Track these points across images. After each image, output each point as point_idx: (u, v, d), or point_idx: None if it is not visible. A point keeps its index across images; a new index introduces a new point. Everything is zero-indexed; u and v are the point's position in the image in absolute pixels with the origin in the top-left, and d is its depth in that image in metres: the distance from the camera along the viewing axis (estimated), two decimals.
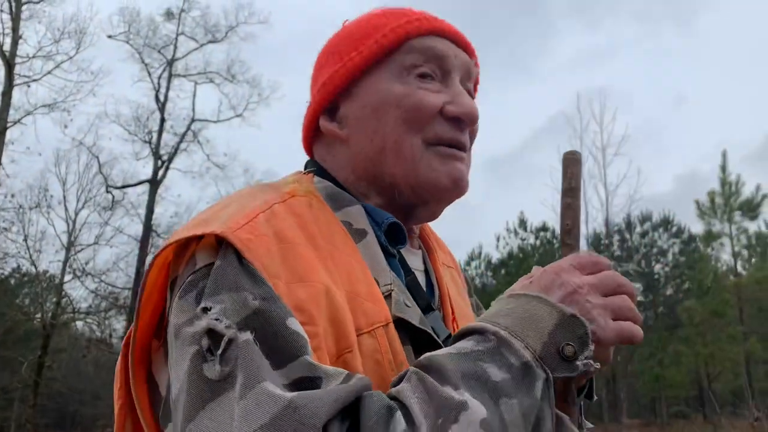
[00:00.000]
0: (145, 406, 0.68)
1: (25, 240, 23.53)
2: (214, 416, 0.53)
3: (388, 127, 0.79)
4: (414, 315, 0.73)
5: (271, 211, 0.68)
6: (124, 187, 24.46)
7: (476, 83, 0.90)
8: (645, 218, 31.60)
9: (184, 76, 23.98)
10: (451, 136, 0.80)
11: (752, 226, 19.98)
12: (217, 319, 0.57)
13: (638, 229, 31.35)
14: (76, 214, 25.98)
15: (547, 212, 24.65)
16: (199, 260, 0.63)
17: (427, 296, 0.79)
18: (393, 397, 0.57)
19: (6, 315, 21.93)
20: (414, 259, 0.85)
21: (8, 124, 18.87)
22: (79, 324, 27.52)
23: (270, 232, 0.65)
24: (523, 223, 34.71)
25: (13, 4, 18.96)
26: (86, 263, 24.75)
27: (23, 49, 19.48)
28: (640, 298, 29.66)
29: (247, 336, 0.56)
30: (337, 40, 0.86)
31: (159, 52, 23.29)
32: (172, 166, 23.97)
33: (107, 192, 24.53)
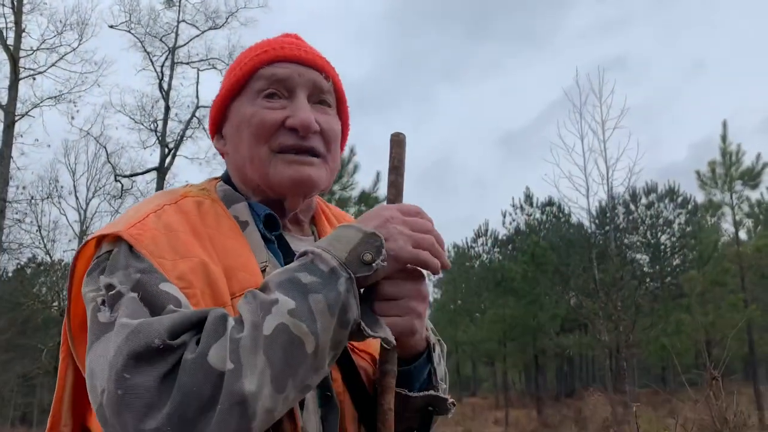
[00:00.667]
0: (83, 354, 0.87)
1: (39, 230, 23.99)
2: (103, 344, 0.77)
3: (245, 142, 1.01)
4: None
5: (162, 210, 0.92)
6: (132, 175, 24.80)
7: (338, 89, 1.08)
8: (650, 190, 31.58)
9: (187, 63, 24.14)
10: (293, 143, 0.99)
11: (754, 195, 20.06)
12: (110, 284, 0.81)
13: (643, 200, 31.38)
14: (87, 204, 26.40)
15: (553, 187, 24.81)
16: (103, 248, 0.88)
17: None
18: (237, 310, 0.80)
19: (24, 304, 22.44)
20: (300, 244, 1.03)
21: (16, 117, 19.16)
22: None
23: (160, 225, 0.89)
24: (529, 199, 34.73)
25: None
26: None
27: (27, 42, 19.69)
28: (646, 269, 29.81)
29: (132, 294, 0.79)
30: (226, 71, 1.11)
31: (161, 40, 23.42)
32: (178, 153, 24.23)
33: (116, 181, 24.90)
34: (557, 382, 40.14)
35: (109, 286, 0.82)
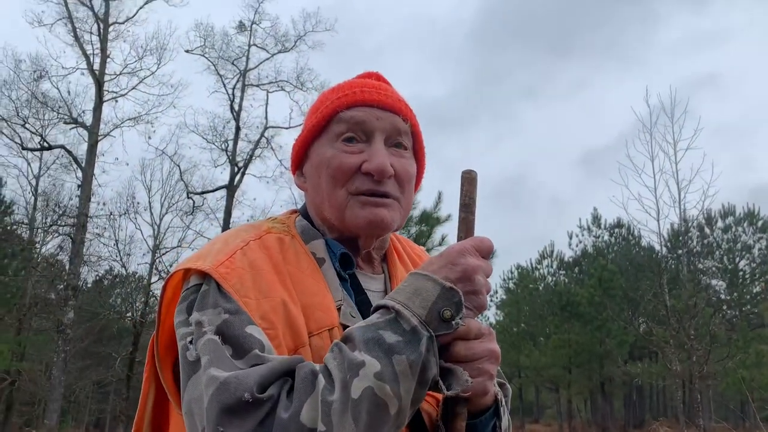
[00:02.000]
0: (168, 377, 0.98)
1: (116, 244, 25.20)
2: (194, 386, 0.84)
3: (324, 183, 1.05)
4: (357, 323, 0.93)
5: (248, 247, 0.97)
6: (203, 192, 25.76)
7: (415, 130, 1.11)
8: (727, 213, 30.06)
9: (257, 85, 24.98)
10: (368, 187, 1.02)
11: None
12: (200, 322, 0.87)
13: (720, 223, 29.89)
14: (161, 219, 27.58)
15: (621, 209, 23.99)
16: (191, 281, 0.94)
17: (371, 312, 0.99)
18: (324, 365, 0.83)
19: (100, 314, 23.57)
20: (371, 282, 1.09)
21: (99, 138, 20.34)
22: None
23: (245, 263, 0.94)
24: (596, 220, 33.76)
25: (101, 26, 20.44)
26: (170, 265, 26.20)
27: (111, 67, 20.95)
28: (723, 295, 28.26)
29: (215, 337, 0.85)
30: (308, 110, 1.16)
31: (233, 63, 24.38)
32: (247, 171, 24.99)
33: (188, 198, 25.91)
34: (625, 411, 38.39)
35: (199, 324, 0.88)
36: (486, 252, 0.93)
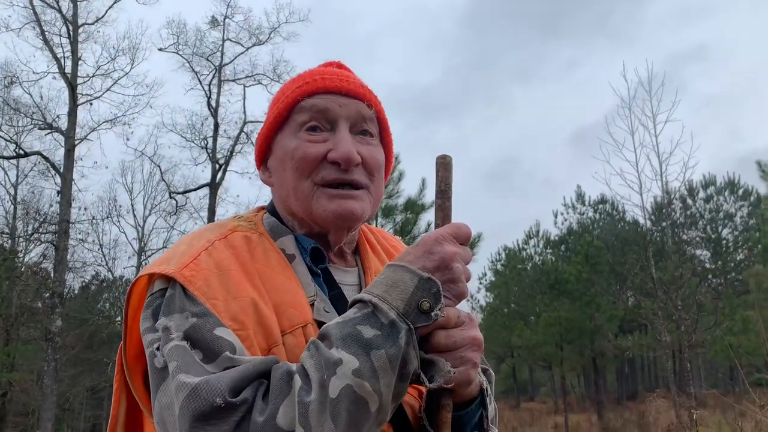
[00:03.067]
0: (138, 385, 0.96)
1: (101, 249, 25.00)
2: (164, 393, 0.82)
3: (289, 176, 1.01)
4: (332, 319, 0.90)
5: (213, 247, 0.94)
6: (185, 192, 25.56)
7: (381, 117, 1.08)
8: (708, 183, 30.41)
9: (233, 80, 24.73)
10: (335, 176, 0.99)
11: None
12: (167, 328, 0.85)
13: (701, 194, 30.24)
14: (144, 221, 27.40)
15: (604, 185, 24.13)
16: (156, 286, 0.92)
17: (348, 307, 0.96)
18: (300, 364, 0.81)
19: (89, 320, 23.38)
20: (345, 276, 1.06)
21: (76, 142, 20.04)
22: None
23: (211, 264, 0.91)
24: (580, 197, 33.99)
25: (71, 28, 20.08)
26: None
27: (83, 69, 20.62)
28: (708, 265, 28.65)
29: (182, 343, 0.82)
30: (270, 102, 1.11)
31: (207, 59, 24.09)
32: (229, 168, 24.81)
33: (171, 198, 25.73)
34: (618, 384, 38.96)
35: (166, 330, 0.85)
36: (464, 238, 0.90)
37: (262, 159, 1.12)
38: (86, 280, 29.47)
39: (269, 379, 0.80)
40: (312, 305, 0.96)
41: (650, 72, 18.75)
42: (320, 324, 0.94)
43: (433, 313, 0.83)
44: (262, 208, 1.13)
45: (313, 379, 0.78)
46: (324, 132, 1.02)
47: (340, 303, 1.00)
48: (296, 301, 0.94)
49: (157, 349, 0.85)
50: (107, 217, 24.38)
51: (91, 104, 21.12)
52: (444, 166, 0.96)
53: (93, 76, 20.97)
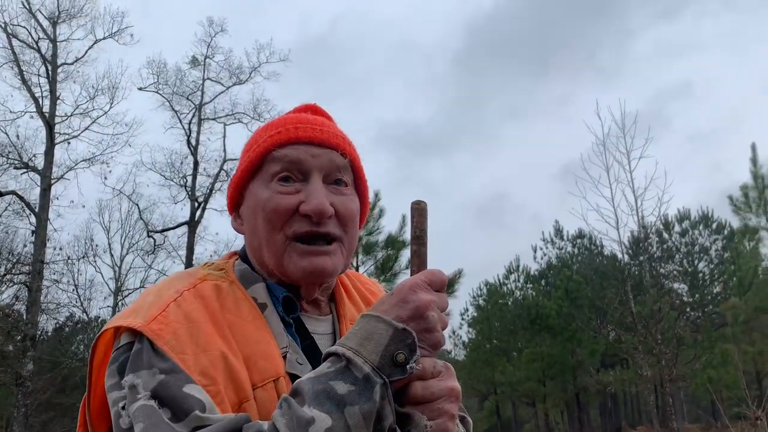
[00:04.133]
0: None
1: (76, 289, 24.50)
2: None
3: (260, 227, 0.99)
4: (305, 371, 0.91)
5: (182, 298, 0.91)
6: (164, 230, 25.30)
7: (356, 164, 1.05)
8: (683, 217, 30.96)
9: (213, 119, 24.81)
10: (307, 230, 0.97)
11: None
12: (134, 386, 0.82)
13: (677, 228, 30.75)
14: (122, 260, 26.98)
15: (581, 221, 24.47)
16: (122, 339, 0.89)
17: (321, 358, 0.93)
18: (271, 422, 0.78)
19: (62, 363, 22.75)
20: (318, 325, 1.03)
21: (52, 181, 19.84)
22: None
23: (180, 316, 0.88)
24: (559, 232, 34.34)
25: (50, 68, 20.07)
26: None
27: (62, 108, 20.54)
28: (685, 298, 28.94)
29: (150, 402, 0.80)
30: (242, 150, 1.10)
31: (187, 98, 24.18)
32: (208, 206, 24.68)
33: (149, 236, 25.42)
34: (602, 419, 38.70)
35: (132, 388, 0.82)
36: (439, 285, 0.88)
37: (234, 205, 1.09)
38: (60, 322, 28.78)
39: None
40: (284, 357, 0.94)
41: (623, 110, 19.23)
42: (293, 376, 0.92)
43: (408, 366, 0.80)
44: (234, 253, 1.10)
45: None
46: (296, 182, 1.00)
47: (313, 354, 0.98)
48: (268, 352, 0.92)
49: (123, 408, 0.82)
50: (83, 257, 23.96)
51: (68, 143, 20.99)
52: (419, 211, 0.94)
53: (71, 115, 20.90)
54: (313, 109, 1.11)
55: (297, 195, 0.98)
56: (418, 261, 0.92)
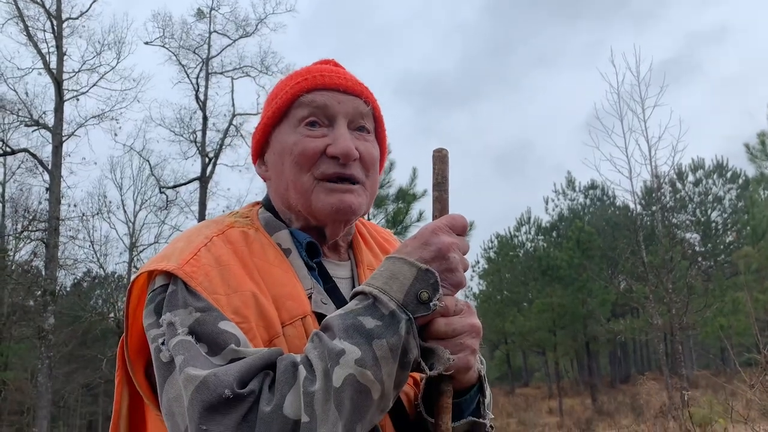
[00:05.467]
0: (141, 379, 0.98)
1: (92, 245, 24.87)
2: (171, 386, 0.84)
3: (287, 169, 1.03)
4: (329, 310, 0.96)
5: (211, 243, 0.96)
6: (175, 186, 25.42)
7: (377, 113, 1.10)
8: (697, 166, 30.60)
9: (221, 73, 24.57)
10: (334, 171, 1.01)
11: None
12: (171, 323, 0.87)
13: (690, 177, 30.44)
14: (135, 216, 27.27)
15: (591, 170, 24.23)
16: (157, 282, 0.93)
17: (344, 299, 1.01)
18: (304, 355, 0.83)
19: (82, 317, 23.31)
20: (338, 269, 1.08)
21: (63, 138, 19.88)
22: None
23: (211, 260, 0.93)
24: (571, 183, 34.12)
25: (55, 23, 19.85)
26: None
27: (68, 64, 20.40)
28: (697, 248, 28.89)
29: (188, 337, 0.84)
30: (267, 98, 1.14)
31: (194, 52, 23.91)
32: (218, 161, 24.72)
33: (161, 192, 25.59)
34: (611, 368, 39.34)
35: (171, 325, 0.87)
36: (460, 229, 0.92)
37: (259, 153, 1.12)
38: (78, 277, 29.36)
39: (274, 370, 0.83)
40: (309, 297, 0.98)
41: (638, 57, 18.78)
42: (318, 315, 0.96)
43: (431, 303, 0.85)
44: (257, 203, 1.14)
45: (317, 369, 0.80)
46: (322, 128, 1.03)
47: (334, 295, 1.02)
48: (294, 293, 0.96)
49: (162, 343, 0.87)
50: (97, 214, 24.22)
51: (77, 100, 20.94)
52: (440, 158, 0.98)
53: (79, 71, 20.77)
54: (334, 63, 1.14)
55: (323, 139, 1.02)
56: (440, 206, 0.96)
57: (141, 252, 26.33)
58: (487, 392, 1.07)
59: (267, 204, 1.11)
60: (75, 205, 22.15)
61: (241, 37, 24.22)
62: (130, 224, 27.08)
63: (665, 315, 16.28)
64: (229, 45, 24.34)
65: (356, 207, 1.03)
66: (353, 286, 1.07)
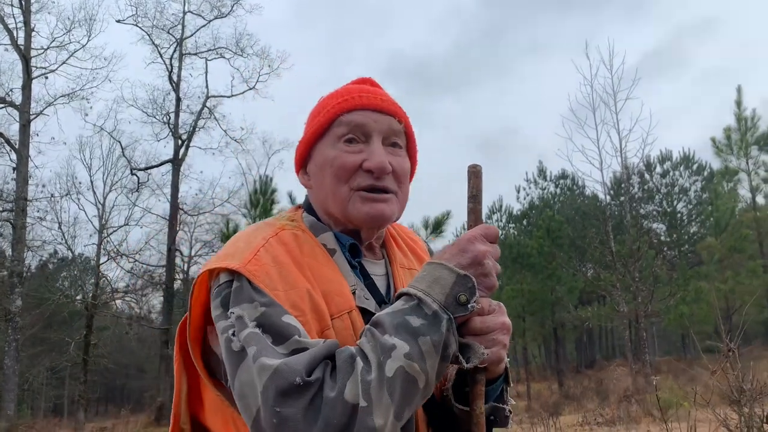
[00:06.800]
0: (199, 362, 1.09)
1: (60, 226, 24.40)
2: (243, 372, 0.94)
3: (328, 181, 1.14)
4: (371, 305, 1.10)
5: (269, 244, 1.07)
6: (147, 168, 25.04)
7: (408, 130, 1.22)
8: (665, 158, 31.30)
9: (195, 54, 24.19)
10: (368, 183, 1.12)
11: None
12: (240, 316, 0.97)
13: (658, 169, 31.14)
14: (105, 198, 26.80)
15: (564, 161, 24.69)
16: (221, 278, 1.04)
17: (381, 295, 1.15)
18: (359, 347, 0.94)
19: (49, 299, 22.92)
20: (375, 267, 1.20)
21: (31, 116, 19.41)
22: (119, 302, 28.53)
23: (269, 259, 1.04)
24: (542, 173, 34.57)
25: None
26: (119, 244, 25.56)
27: (37, 41, 19.87)
28: (663, 237, 29.65)
29: (256, 330, 0.95)
30: (309, 114, 1.25)
31: (168, 32, 23.48)
32: (191, 144, 24.43)
33: (132, 174, 25.18)
34: (577, 353, 40.32)
35: (240, 318, 0.97)
36: (492, 237, 1.04)
37: (302, 164, 1.24)
38: (44, 258, 28.76)
39: (333, 360, 0.94)
40: (353, 293, 1.10)
41: (611, 50, 19.10)
42: (361, 309, 1.09)
43: (469, 305, 0.97)
44: (299, 207, 1.25)
45: (372, 361, 0.91)
46: (359, 144, 1.14)
47: (373, 291, 1.15)
48: (341, 290, 1.08)
49: (233, 334, 0.97)
50: (66, 195, 23.74)
51: (46, 78, 20.45)
52: (475, 174, 1.09)
53: (48, 48, 20.27)
54: (371, 83, 1.26)
55: (360, 154, 1.13)
56: (474, 217, 1.08)
57: (111, 233, 25.94)
58: (511, 381, 1.19)
59: (308, 208, 1.22)
60: (44, 186, 21.70)
61: (216, 17, 23.88)
62: (100, 206, 26.63)
63: (631, 303, 16.76)
64: (204, 26, 24.00)
65: (389, 215, 1.14)
66: (388, 282, 1.21)
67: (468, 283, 0.98)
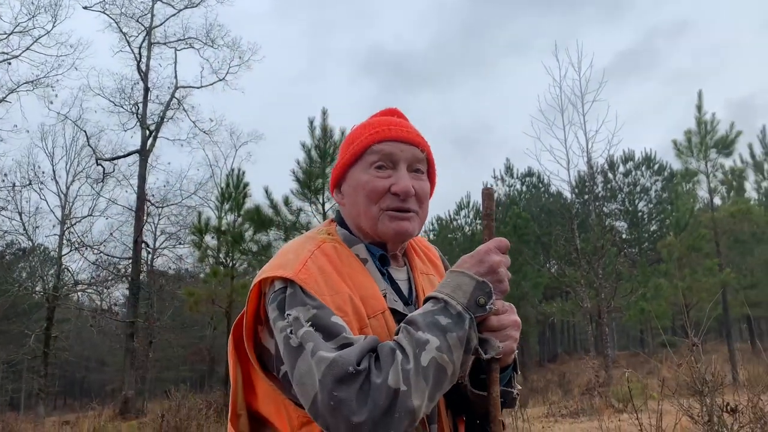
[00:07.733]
0: (254, 356, 1.26)
1: (20, 216, 23.81)
2: (302, 363, 1.10)
3: (360, 201, 1.33)
4: (399, 306, 1.29)
5: (314, 256, 1.25)
6: (114, 158, 24.61)
7: (429, 157, 1.40)
8: (627, 158, 32.19)
9: (164, 43, 23.84)
10: (396, 205, 1.31)
11: (727, 163, 20.63)
12: (297, 317, 1.14)
13: (621, 168, 32.01)
14: (68, 188, 26.21)
15: (532, 159, 25.23)
16: (276, 285, 1.21)
17: (405, 297, 1.34)
18: (396, 341, 1.12)
19: (9, 291, 22.35)
20: (399, 273, 1.39)
21: None
22: (80, 294, 27.95)
23: (315, 269, 1.22)
24: (509, 170, 35.18)
25: None
26: (83, 235, 25.04)
27: (0, 26, 19.28)
28: (625, 235, 30.52)
29: (310, 328, 1.12)
30: (344, 142, 1.44)
31: (137, 21, 23.07)
32: (159, 134, 24.08)
33: (97, 164, 24.71)
34: (540, 347, 41.18)
35: (296, 319, 1.14)
36: (504, 249, 1.24)
37: (336, 185, 1.42)
38: (1, 248, 27.96)
39: (376, 352, 1.11)
40: (384, 296, 1.28)
41: (580, 52, 19.56)
42: (392, 310, 1.27)
43: (487, 307, 1.16)
44: (332, 221, 1.44)
45: (409, 353, 1.09)
46: (388, 170, 1.33)
47: (399, 294, 1.33)
48: (375, 294, 1.26)
49: (291, 332, 1.13)
50: (28, 185, 23.15)
51: (9, 63, 19.90)
52: (489, 196, 1.31)
53: (11, 33, 19.70)
54: (398, 114, 1.46)
55: (388, 179, 1.32)
56: (488, 232, 1.29)
57: (74, 224, 25.41)
58: (518, 369, 1.40)
59: (340, 222, 1.41)
60: (5, 175, 21.15)
61: (186, 7, 23.57)
62: (62, 196, 26.04)
63: (594, 298, 17.29)
64: (174, 15, 23.65)
65: (411, 231, 1.34)
66: (410, 286, 1.40)
67: (486, 288, 1.16)
